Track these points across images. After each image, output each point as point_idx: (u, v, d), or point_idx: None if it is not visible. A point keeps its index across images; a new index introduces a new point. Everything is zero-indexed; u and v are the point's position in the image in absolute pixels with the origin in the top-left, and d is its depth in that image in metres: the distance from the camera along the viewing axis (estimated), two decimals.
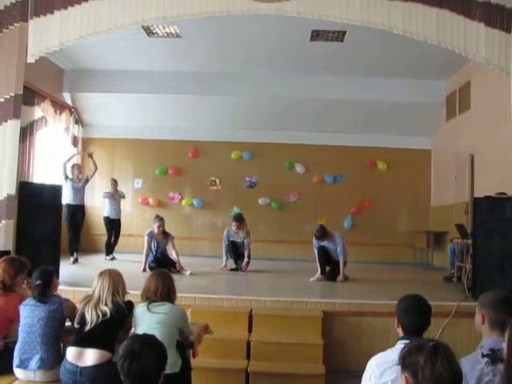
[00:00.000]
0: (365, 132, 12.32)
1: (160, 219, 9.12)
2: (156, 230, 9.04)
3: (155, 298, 4.08)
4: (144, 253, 8.96)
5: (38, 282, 4.17)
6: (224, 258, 9.47)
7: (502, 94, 7.66)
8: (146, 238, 9.04)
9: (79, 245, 10.16)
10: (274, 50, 10.19)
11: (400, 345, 2.81)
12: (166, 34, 9.63)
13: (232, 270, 9.39)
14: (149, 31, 9.44)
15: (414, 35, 6.63)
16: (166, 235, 9.16)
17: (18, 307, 4.18)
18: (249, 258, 9.37)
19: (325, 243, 8.49)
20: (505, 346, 2.46)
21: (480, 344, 2.84)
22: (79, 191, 10.01)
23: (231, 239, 9.47)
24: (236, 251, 9.48)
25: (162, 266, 8.14)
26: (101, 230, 11.00)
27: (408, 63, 10.38)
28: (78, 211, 9.99)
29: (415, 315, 3.03)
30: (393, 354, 2.73)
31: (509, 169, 7.20)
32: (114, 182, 10.96)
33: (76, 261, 9.85)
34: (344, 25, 7.39)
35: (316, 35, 9.39)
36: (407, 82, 11.21)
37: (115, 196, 10.86)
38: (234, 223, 9.46)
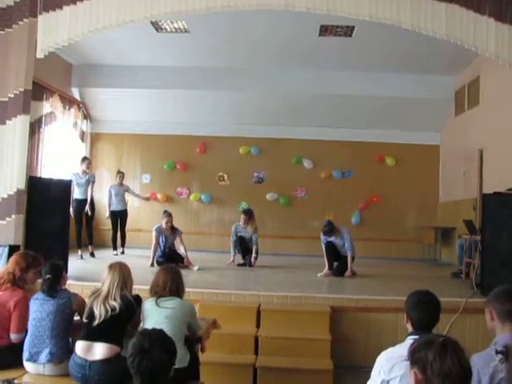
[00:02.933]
0: (373, 127, 12.29)
1: (168, 215, 9.14)
2: (164, 226, 9.07)
3: (164, 293, 4.09)
4: (152, 248, 8.99)
5: (48, 276, 4.20)
6: (232, 253, 9.51)
7: (511, 89, 7.65)
8: (154, 233, 9.06)
9: (92, 238, 10.23)
10: (282, 45, 10.17)
11: (409, 340, 2.80)
12: (174, 30, 9.63)
13: (240, 265, 9.41)
14: (157, 26, 9.45)
15: (423, 30, 6.59)
16: (173, 230, 9.19)
17: (20, 304, 4.22)
18: (257, 253, 9.39)
19: (332, 239, 8.50)
20: None
21: (494, 340, 2.84)
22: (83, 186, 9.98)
23: (239, 234, 9.49)
24: (244, 246, 9.51)
25: (170, 260, 8.20)
26: (109, 225, 11.00)
27: (417, 58, 10.33)
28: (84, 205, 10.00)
29: (424, 310, 3.03)
30: (402, 349, 2.73)
31: None
32: (122, 175, 10.96)
33: (92, 255, 9.95)
34: (353, 20, 7.35)
35: (325, 30, 9.37)
36: (416, 77, 11.17)
37: (120, 189, 10.87)
38: (242, 216, 9.49)
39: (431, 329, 3.00)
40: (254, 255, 9.36)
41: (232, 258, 9.49)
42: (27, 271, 4.49)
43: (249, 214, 9.54)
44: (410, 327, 3.08)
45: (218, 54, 10.82)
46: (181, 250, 9.11)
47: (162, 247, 9.13)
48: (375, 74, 11.19)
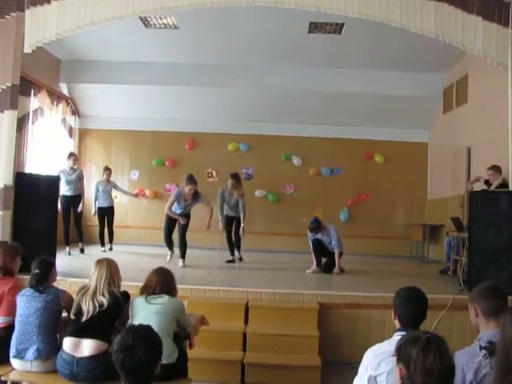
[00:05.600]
0: (362, 125, 12.32)
1: (191, 182, 8.70)
2: (187, 191, 8.74)
3: (155, 292, 4.11)
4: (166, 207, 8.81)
5: (36, 270, 4.19)
6: (219, 217, 9.37)
7: (499, 88, 7.67)
8: (172, 197, 8.82)
9: (82, 235, 10.20)
10: (271, 42, 10.16)
11: (396, 336, 2.83)
12: (163, 25, 9.59)
13: (228, 262, 9.38)
14: (146, 22, 9.41)
15: (412, 28, 6.62)
16: (195, 196, 8.83)
17: (13, 290, 4.26)
18: (244, 221, 9.32)
19: (319, 236, 8.50)
20: (499, 335, 2.49)
21: (478, 336, 2.86)
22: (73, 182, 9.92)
23: (226, 214, 9.44)
24: (230, 229, 9.51)
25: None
26: (96, 221, 10.91)
27: (406, 56, 10.37)
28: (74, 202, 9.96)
29: (412, 307, 3.05)
30: (389, 345, 2.75)
31: (505, 162, 7.23)
32: (109, 172, 10.82)
33: (82, 251, 9.95)
34: (342, 17, 7.36)
35: (314, 27, 9.37)
36: (405, 74, 11.21)
37: (107, 186, 10.76)
38: (230, 181, 9.39)
39: (419, 325, 3.02)
40: (242, 225, 9.28)
41: (220, 223, 9.36)
42: (15, 260, 4.61)
43: (236, 178, 9.44)
44: (397, 323, 3.09)
45: (207, 51, 10.78)
46: (206, 214, 8.87)
47: (178, 211, 8.92)
48: (364, 71, 11.21)
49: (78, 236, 10.11)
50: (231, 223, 9.53)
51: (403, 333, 2.73)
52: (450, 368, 2.05)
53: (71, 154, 10.25)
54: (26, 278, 4.51)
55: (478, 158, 9.47)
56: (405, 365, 2.07)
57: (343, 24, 9.09)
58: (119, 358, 2.35)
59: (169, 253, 9.07)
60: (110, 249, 10.61)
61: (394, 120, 12.10)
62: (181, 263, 8.60)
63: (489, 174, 7.85)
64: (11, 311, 4.22)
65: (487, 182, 7.95)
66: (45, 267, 4.26)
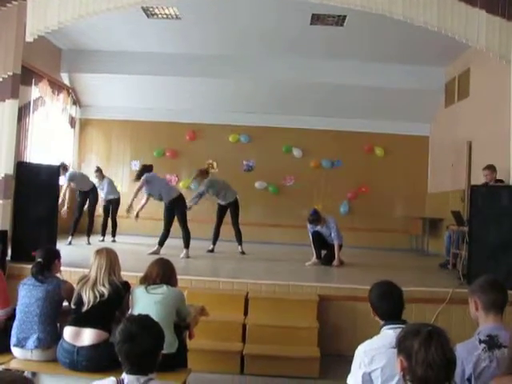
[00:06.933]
0: (363, 117, 12.30)
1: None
2: None
3: (155, 282, 4.13)
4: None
5: (39, 259, 4.20)
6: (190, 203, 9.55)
7: (501, 82, 7.66)
8: None
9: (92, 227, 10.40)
10: (273, 34, 10.13)
11: (386, 331, 2.86)
12: (165, 16, 9.56)
13: (209, 251, 9.43)
14: (148, 12, 9.37)
15: (415, 21, 6.59)
16: None
17: None
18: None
19: (319, 228, 8.49)
20: None
21: (477, 330, 2.87)
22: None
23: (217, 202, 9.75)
24: (221, 219, 9.66)
25: None
26: (99, 212, 10.92)
27: (408, 49, 10.35)
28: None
29: (390, 300, 3.07)
30: (379, 340, 2.78)
31: (506, 157, 7.22)
32: (100, 173, 10.77)
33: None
34: (344, 9, 7.34)
35: (316, 19, 9.34)
36: (407, 67, 11.18)
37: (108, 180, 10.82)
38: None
39: (400, 316, 3.02)
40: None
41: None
42: None
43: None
44: (378, 319, 3.10)
45: (208, 41, 10.76)
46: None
47: None
48: (366, 64, 11.18)
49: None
50: (224, 211, 9.61)
51: (392, 326, 2.77)
52: (452, 360, 2.06)
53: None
54: (25, 267, 4.51)
55: (479, 152, 9.46)
56: (406, 357, 2.09)
57: (345, 16, 9.06)
58: (123, 347, 2.35)
59: (157, 246, 8.73)
60: (113, 241, 10.54)
61: (396, 113, 12.09)
62: (183, 254, 8.57)
63: (485, 173, 7.86)
64: (6, 302, 4.22)
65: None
66: (48, 257, 4.27)
